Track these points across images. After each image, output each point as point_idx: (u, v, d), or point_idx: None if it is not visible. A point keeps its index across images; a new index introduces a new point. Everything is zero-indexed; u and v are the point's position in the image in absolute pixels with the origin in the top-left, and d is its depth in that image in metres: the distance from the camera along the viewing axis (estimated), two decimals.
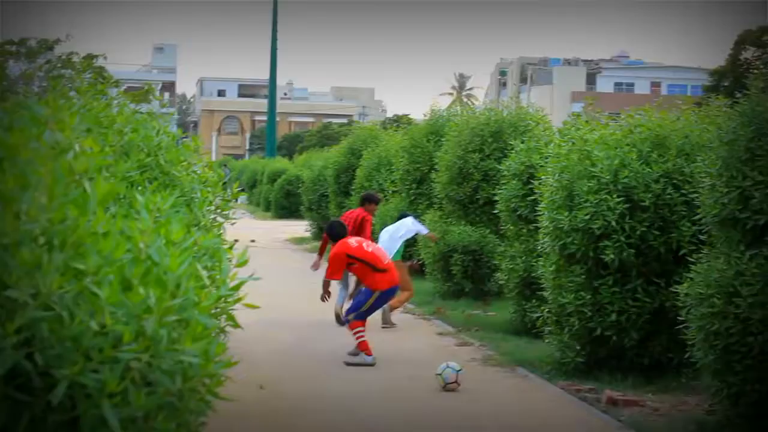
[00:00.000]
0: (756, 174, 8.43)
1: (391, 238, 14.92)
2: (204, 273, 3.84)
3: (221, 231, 6.72)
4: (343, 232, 12.45)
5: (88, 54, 33.11)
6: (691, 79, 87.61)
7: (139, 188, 5.59)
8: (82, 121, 5.86)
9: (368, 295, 12.00)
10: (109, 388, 2.99)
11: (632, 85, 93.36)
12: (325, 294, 12.47)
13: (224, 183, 7.72)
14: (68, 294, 3.04)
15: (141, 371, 3.09)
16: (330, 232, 12.64)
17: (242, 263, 3.86)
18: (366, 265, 11.99)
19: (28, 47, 34.34)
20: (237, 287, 3.75)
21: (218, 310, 3.93)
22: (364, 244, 12.28)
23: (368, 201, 15.69)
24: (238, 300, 3.98)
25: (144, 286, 3.23)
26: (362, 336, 11.88)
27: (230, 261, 4.32)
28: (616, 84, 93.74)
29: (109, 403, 2.97)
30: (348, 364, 11.76)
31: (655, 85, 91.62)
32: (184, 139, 7.84)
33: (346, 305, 13.52)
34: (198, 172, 7.40)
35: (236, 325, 4.08)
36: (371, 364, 11.73)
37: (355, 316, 11.94)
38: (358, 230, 15.02)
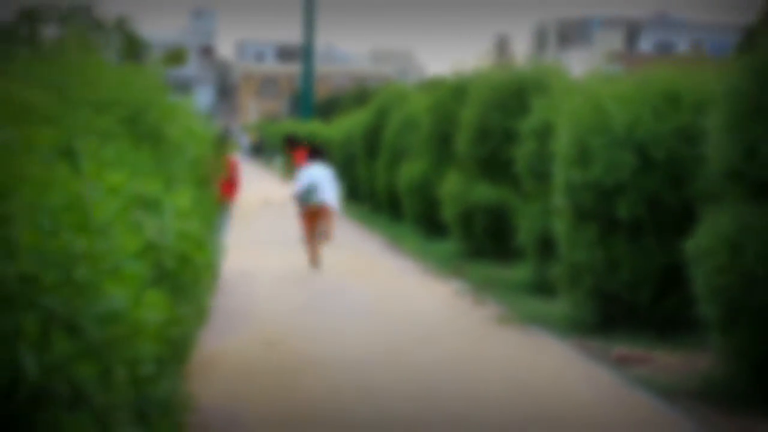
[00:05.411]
0: (763, 128, 8.26)
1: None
2: (151, 223, 3.82)
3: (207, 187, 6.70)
4: None
5: (119, 17, 33.20)
6: (734, 39, 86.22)
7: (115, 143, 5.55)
8: (56, 73, 5.86)
9: None
10: (27, 332, 2.96)
11: (674, 44, 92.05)
12: None
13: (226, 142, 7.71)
14: None
15: (65, 317, 3.06)
16: None
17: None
18: None
19: (61, 11, 34.43)
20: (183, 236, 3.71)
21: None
22: None
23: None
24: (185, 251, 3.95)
25: (73, 231, 3.20)
26: None
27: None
28: (657, 44, 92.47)
29: (27, 348, 2.94)
30: None
31: (697, 44, 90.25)
32: (180, 98, 7.82)
33: None
34: (192, 129, 7.37)
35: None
36: None
37: None
38: None
